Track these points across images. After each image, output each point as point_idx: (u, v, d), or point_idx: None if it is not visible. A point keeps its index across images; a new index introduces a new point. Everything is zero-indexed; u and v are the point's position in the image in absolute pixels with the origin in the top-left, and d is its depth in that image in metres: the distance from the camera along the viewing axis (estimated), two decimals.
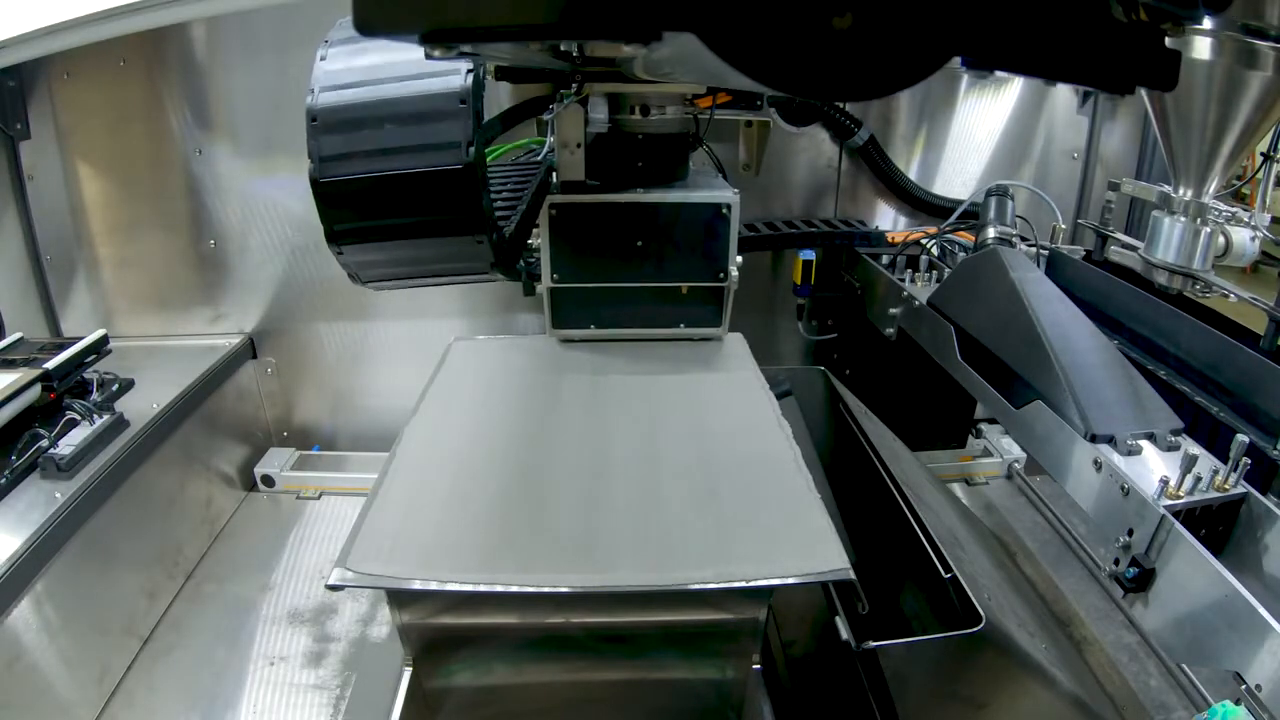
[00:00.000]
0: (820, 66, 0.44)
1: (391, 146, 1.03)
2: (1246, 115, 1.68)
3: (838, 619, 1.32)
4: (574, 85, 1.51)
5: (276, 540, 2.28)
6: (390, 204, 1.06)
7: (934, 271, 2.23)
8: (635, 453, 1.43)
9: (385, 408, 2.75)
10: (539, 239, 1.70)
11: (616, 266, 1.72)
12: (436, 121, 1.02)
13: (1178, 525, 1.17)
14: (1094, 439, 1.36)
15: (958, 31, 0.46)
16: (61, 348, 1.93)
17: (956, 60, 0.51)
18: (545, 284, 1.73)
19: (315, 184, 1.04)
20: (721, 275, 1.75)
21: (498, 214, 1.23)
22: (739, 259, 1.74)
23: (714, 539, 1.21)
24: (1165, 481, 1.23)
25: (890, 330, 2.24)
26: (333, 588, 1.11)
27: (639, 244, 1.70)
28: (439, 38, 0.54)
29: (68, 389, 1.91)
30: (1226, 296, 1.89)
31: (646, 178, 1.73)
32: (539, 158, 1.84)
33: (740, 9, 0.42)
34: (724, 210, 1.70)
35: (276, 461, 2.58)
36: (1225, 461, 1.26)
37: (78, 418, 1.86)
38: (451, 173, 1.03)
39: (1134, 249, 2.09)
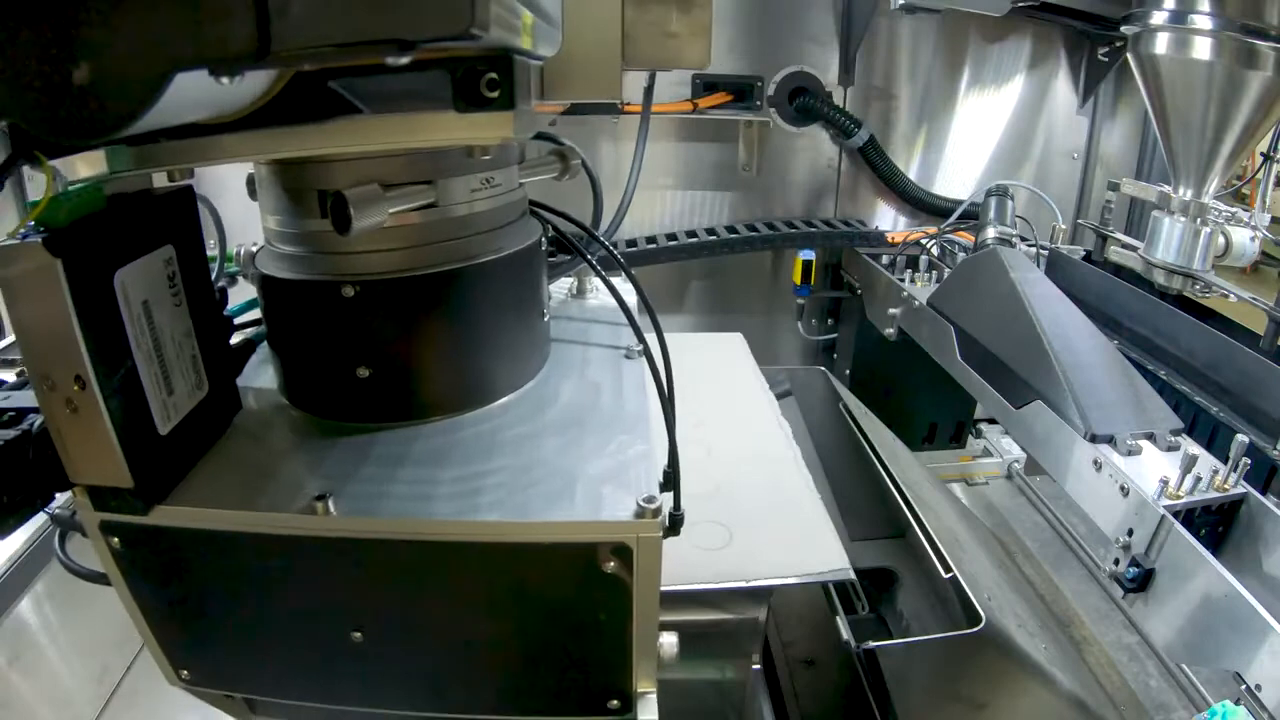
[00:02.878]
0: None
1: None
2: (1246, 115, 1.68)
3: (838, 619, 1.32)
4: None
5: None
6: None
7: (934, 271, 2.23)
8: None
9: None
10: None
11: (321, 673, 0.71)
12: None
13: (1178, 525, 1.17)
14: (1094, 439, 1.36)
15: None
16: None
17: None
18: (168, 679, 0.78)
19: None
20: (616, 704, 0.72)
21: None
22: (670, 641, 0.76)
23: (714, 539, 1.21)
24: (1165, 482, 1.23)
25: (890, 330, 2.24)
26: None
27: (356, 637, 0.66)
28: None
29: None
30: (1226, 296, 1.89)
31: (385, 410, 0.71)
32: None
33: None
34: (605, 565, 0.62)
35: None
36: (1225, 461, 1.26)
37: None
38: None
39: (1134, 249, 2.10)
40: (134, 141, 0.54)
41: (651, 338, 0.76)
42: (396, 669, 0.68)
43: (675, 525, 0.69)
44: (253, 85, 0.48)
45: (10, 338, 1.98)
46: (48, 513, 0.66)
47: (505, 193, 0.72)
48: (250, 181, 0.73)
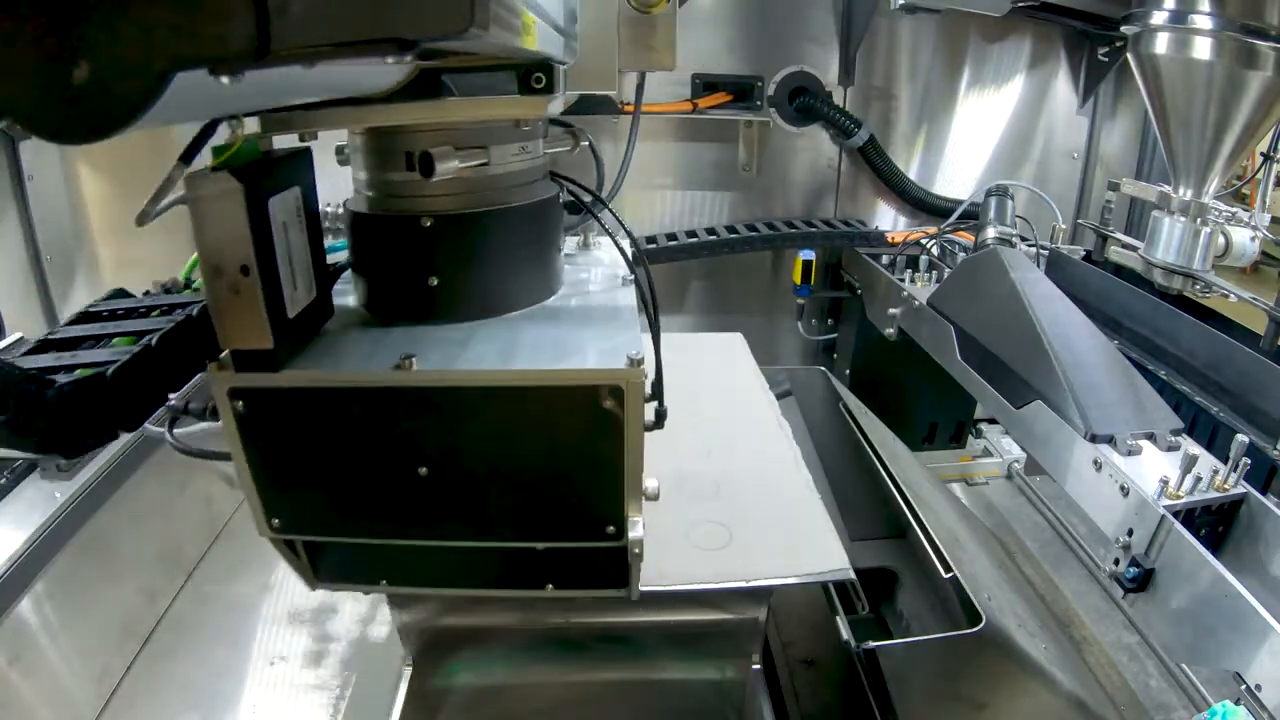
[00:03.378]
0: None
1: None
2: (1246, 115, 1.68)
3: (838, 619, 1.32)
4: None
5: None
6: None
7: (934, 271, 2.23)
8: None
9: None
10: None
11: (390, 509, 0.90)
12: None
13: (1178, 525, 1.17)
14: (1094, 439, 1.36)
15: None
16: None
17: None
18: (260, 529, 0.91)
19: None
20: (612, 530, 0.89)
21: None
22: (652, 483, 0.88)
23: (714, 539, 1.21)
24: (1165, 482, 1.23)
25: (890, 330, 2.24)
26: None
27: (422, 472, 0.85)
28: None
29: None
30: (1226, 296, 1.89)
31: (448, 311, 0.93)
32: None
33: None
34: (604, 402, 0.81)
35: None
36: (1225, 461, 1.26)
37: None
38: None
39: (1134, 249, 2.10)
40: (291, 109, 0.75)
41: (654, 339, 0.97)
42: (451, 502, 0.88)
43: (660, 419, 0.91)
44: (397, 73, 0.66)
45: (11, 337, 2.00)
46: (167, 406, 0.92)
47: (534, 158, 0.96)
48: (339, 150, 0.98)
